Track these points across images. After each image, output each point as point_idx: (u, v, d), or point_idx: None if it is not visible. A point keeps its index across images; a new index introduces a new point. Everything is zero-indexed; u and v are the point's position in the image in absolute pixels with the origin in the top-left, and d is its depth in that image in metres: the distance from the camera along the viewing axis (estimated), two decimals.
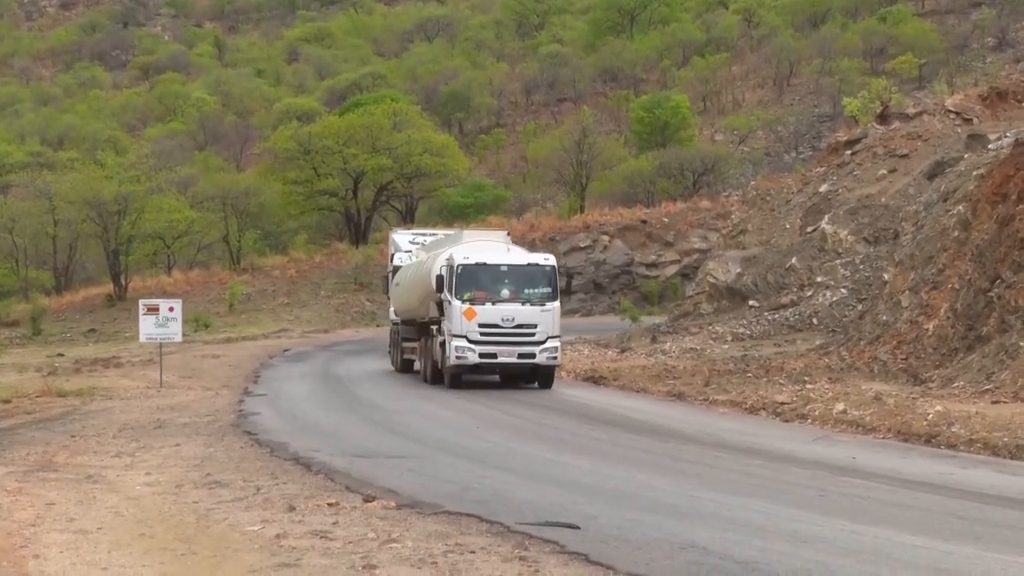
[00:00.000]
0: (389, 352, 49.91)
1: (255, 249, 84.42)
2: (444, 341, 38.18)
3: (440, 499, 18.62)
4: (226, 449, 24.77)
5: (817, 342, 44.08)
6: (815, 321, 47.06)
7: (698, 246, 76.26)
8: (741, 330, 49.05)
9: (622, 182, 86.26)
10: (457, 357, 37.60)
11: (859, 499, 19.60)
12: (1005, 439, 25.28)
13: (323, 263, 78.98)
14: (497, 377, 41.60)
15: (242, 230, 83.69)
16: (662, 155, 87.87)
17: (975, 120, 56.21)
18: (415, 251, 48.59)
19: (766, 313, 49.70)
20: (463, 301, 37.42)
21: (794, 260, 49.51)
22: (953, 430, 26.76)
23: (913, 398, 31.89)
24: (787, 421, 30.90)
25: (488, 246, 40.60)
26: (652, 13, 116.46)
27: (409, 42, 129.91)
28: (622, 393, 38.18)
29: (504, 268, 38.39)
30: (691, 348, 47.72)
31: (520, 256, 40.68)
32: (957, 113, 57.60)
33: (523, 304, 37.82)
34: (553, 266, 38.95)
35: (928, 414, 28.90)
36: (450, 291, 37.59)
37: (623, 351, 49.94)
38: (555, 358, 38.46)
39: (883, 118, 60.06)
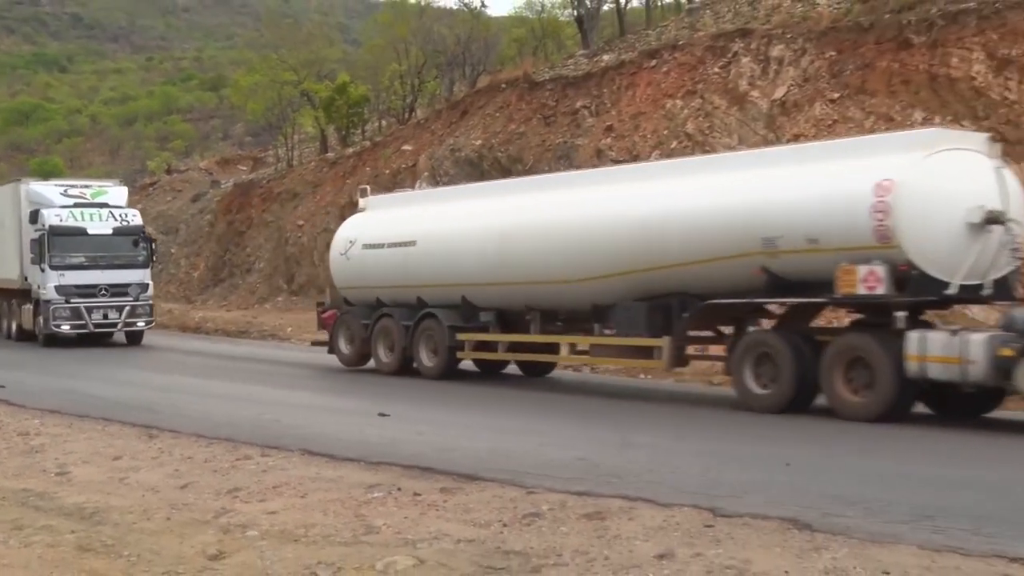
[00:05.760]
0: (329, 344, 16.17)
1: None
2: None
3: None
4: None
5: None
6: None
7: None
8: None
9: None
10: None
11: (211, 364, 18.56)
12: (233, 327, 25.14)
13: None
14: None
15: None
16: None
17: (215, 173, 54.75)
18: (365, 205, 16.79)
19: None
20: None
21: None
22: (208, 324, 26.21)
23: (188, 310, 30.78)
24: None
25: None
26: (38, 115, 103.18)
27: None
28: None
29: None
30: None
31: None
32: (206, 169, 55.77)
33: None
34: None
35: (196, 317, 28.07)
36: None
37: None
38: None
39: (169, 171, 57.08)
